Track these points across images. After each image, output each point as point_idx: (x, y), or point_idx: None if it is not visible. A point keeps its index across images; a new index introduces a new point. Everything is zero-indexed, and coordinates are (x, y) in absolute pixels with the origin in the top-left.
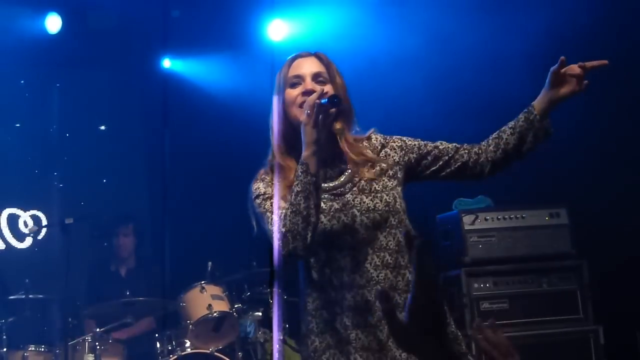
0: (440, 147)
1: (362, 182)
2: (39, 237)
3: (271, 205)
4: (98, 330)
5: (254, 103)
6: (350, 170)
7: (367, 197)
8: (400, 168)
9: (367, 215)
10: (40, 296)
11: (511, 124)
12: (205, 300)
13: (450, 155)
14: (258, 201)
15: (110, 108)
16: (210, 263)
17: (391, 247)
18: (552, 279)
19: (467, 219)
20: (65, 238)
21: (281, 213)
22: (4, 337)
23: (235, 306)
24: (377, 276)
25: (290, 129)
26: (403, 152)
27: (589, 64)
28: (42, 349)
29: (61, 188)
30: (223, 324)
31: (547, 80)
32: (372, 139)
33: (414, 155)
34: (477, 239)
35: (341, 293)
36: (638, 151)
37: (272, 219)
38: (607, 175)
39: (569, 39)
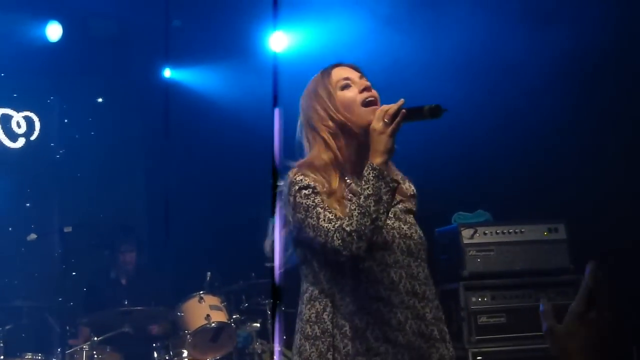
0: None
1: (398, 210)
2: (32, 138)
3: (322, 201)
4: (95, 339)
5: (255, 113)
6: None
7: (404, 225)
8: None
9: (404, 240)
10: (38, 304)
11: None
12: (204, 310)
13: None
14: (306, 192)
15: (111, 117)
16: (209, 273)
17: (421, 278)
18: (550, 294)
19: (466, 233)
20: (64, 246)
21: (337, 214)
22: (1, 344)
23: (233, 317)
24: (408, 301)
25: (343, 131)
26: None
27: None
28: (39, 357)
29: (60, 196)
30: (221, 335)
31: None
32: (406, 185)
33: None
34: (476, 253)
35: (375, 305)
36: (637, 167)
37: (322, 215)
38: (606, 190)
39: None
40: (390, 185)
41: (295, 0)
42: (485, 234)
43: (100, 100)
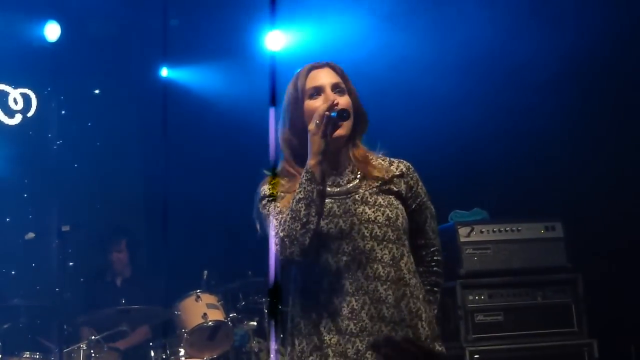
0: (428, 227)
1: (367, 193)
2: (29, 115)
3: (274, 208)
4: (93, 337)
5: (252, 112)
6: (357, 181)
7: (369, 209)
8: (400, 202)
9: (365, 225)
10: (36, 303)
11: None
12: (201, 309)
13: (423, 236)
14: (263, 202)
15: (108, 115)
16: (205, 272)
17: (386, 260)
18: (546, 292)
19: (462, 231)
20: (62, 245)
21: (280, 218)
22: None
23: (230, 315)
24: (367, 287)
25: (304, 141)
26: (410, 193)
27: None
28: (37, 356)
29: (59, 195)
30: (218, 333)
31: None
32: (394, 165)
33: (412, 206)
34: (473, 251)
35: (329, 297)
36: (634, 166)
37: (272, 223)
38: (602, 189)
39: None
40: (320, 187)
41: None
42: (482, 232)
43: (97, 91)
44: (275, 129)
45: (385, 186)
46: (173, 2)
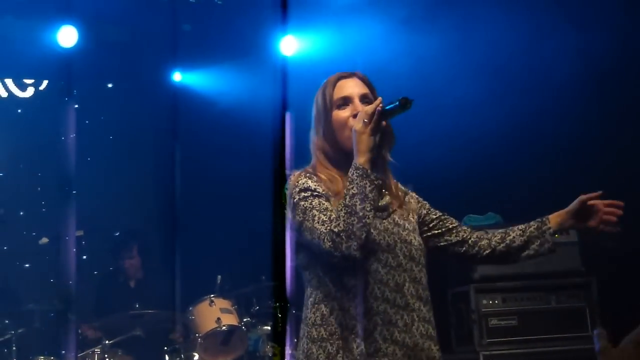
0: (446, 215)
1: (396, 216)
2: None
3: (319, 204)
4: (107, 342)
5: (265, 116)
6: (388, 197)
7: (403, 231)
8: (416, 219)
9: (405, 245)
10: (50, 308)
11: (522, 226)
12: (214, 313)
13: (454, 225)
14: (305, 194)
15: (120, 121)
16: (219, 277)
17: (423, 282)
18: (561, 296)
19: None
20: (76, 250)
21: (330, 215)
22: (14, 348)
23: (244, 320)
24: (413, 304)
25: (335, 149)
26: (419, 204)
27: (615, 209)
28: None
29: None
30: (232, 338)
31: (573, 204)
32: (399, 189)
33: (424, 211)
34: None
35: (383, 306)
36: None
37: (317, 217)
38: (617, 192)
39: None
40: (375, 182)
41: (306, 3)
42: None
43: (110, 85)
44: (291, 133)
45: (403, 207)
46: (185, 8)
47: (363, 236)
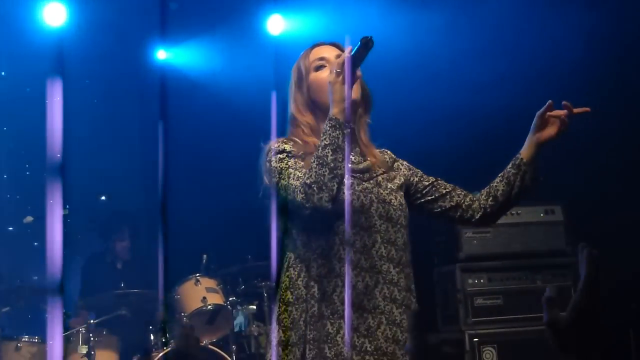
0: (439, 180)
1: (380, 178)
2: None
3: (295, 163)
4: (92, 321)
5: (253, 95)
6: (369, 161)
7: (383, 190)
8: (404, 185)
9: (382, 205)
10: (35, 286)
11: (500, 174)
12: (200, 292)
13: (447, 190)
14: (280, 156)
15: (108, 101)
16: (205, 256)
17: (399, 244)
18: (546, 276)
19: None
20: (61, 229)
21: (303, 170)
22: None
23: (230, 299)
24: (381, 266)
25: (318, 113)
26: (410, 171)
27: (575, 109)
28: (36, 340)
29: (58, 180)
30: (217, 317)
31: (532, 124)
32: (385, 154)
33: (416, 179)
34: (472, 234)
35: (341, 270)
36: (633, 149)
37: (292, 174)
38: (602, 172)
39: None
40: (345, 132)
41: None
42: None
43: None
44: (278, 112)
45: (388, 174)
46: None
47: (335, 187)
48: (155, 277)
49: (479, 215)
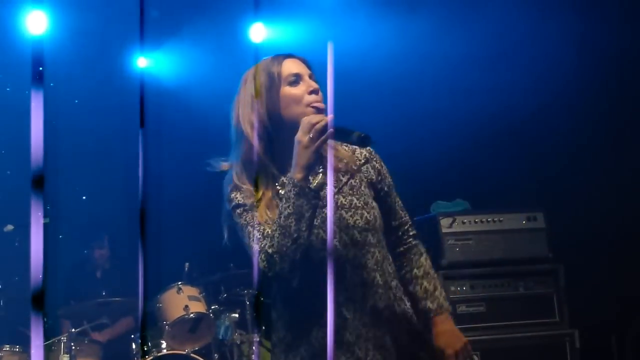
0: (398, 206)
1: (341, 197)
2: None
3: (252, 219)
4: (73, 330)
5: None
6: (322, 176)
7: (346, 213)
8: (372, 190)
9: (346, 232)
10: (15, 295)
11: (422, 295)
12: (182, 301)
13: (399, 215)
14: (238, 211)
15: (87, 108)
16: (187, 264)
17: (369, 265)
18: (528, 283)
19: (444, 222)
20: (42, 238)
21: (264, 231)
22: None
23: (212, 307)
24: (355, 295)
25: (280, 125)
26: (380, 177)
27: None
28: (17, 349)
29: (40, 189)
30: (199, 325)
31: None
32: (356, 152)
33: (383, 188)
34: (454, 242)
35: (318, 308)
36: (615, 157)
37: (252, 234)
38: (584, 180)
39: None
40: (312, 202)
41: None
42: (463, 222)
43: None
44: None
45: (356, 179)
46: None
47: (297, 257)
48: (137, 286)
49: (394, 253)
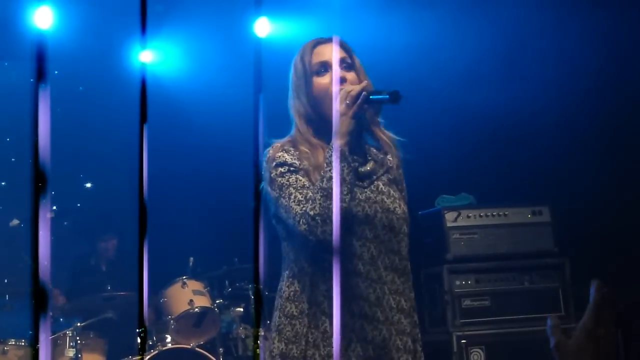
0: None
1: (381, 184)
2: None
3: (296, 181)
4: (79, 324)
5: (238, 98)
6: (372, 162)
7: (387, 199)
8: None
9: (386, 215)
10: (20, 289)
11: None
12: (187, 295)
13: None
14: (282, 170)
15: (91, 101)
16: (191, 258)
17: (403, 253)
18: (534, 277)
19: (449, 216)
20: (46, 232)
21: (306, 194)
22: None
23: (217, 302)
24: (386, 277)
25: (316, 115)
26: (400, 185)
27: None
28: (23, 343)
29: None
30: (204, 320)
31: None
32: (388, 156)
33: (401, 191)
34: (460, 236)
35: (354, 280)
36: (619, 151)
37: (293, 196)
38: (589, 174)
39: None
40: (352, 165)
41: None
42: (468, 217)
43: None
44: (264, 115)
45: (389, 175)
46: None
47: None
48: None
49: None
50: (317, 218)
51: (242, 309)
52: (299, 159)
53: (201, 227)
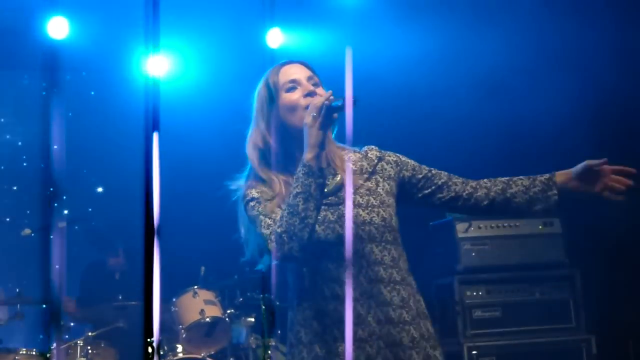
0: (433, 171)
1: (358, 196)
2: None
3: (265, 208)
4: (90, 334)
5: (249, 108)
6: (340, 177)
7: (363, 211)
8: (395, 184)
9: (362, 228)
10: (32, 299)
11: (526, 181)
12: (198, 305)
13: (443, 181)
14: (251, 204)
15: (102, 113)
16: (203, 268)
17: (386, 261)
18: (544, 288)
19: (460, 227)
20: (58, 242)
21: (274, 217)
22: None
23: (228, 311)
24: (371, 290)
25: (286, 136)
26: (398, 167)
27: (624, 178)
28: (34, 353)
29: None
30: (215, 329)
31: (579, 166)
32: (369, 154)
33: (408, 173)
34: (470, 246)
35: (332, 304)
36: (635, 164)
37: (263, 222)
38: None
39: None
40: (317, 181)
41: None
42: (479, 227)
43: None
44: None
45: (372, 178)
46: None
47: (305, 237)
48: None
49: (484, 204)
50: (283, 235)
51: (253, 319)
52: (262, 191)
53: (212, 237)
